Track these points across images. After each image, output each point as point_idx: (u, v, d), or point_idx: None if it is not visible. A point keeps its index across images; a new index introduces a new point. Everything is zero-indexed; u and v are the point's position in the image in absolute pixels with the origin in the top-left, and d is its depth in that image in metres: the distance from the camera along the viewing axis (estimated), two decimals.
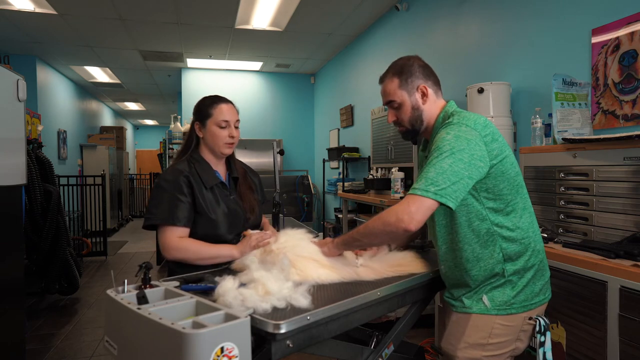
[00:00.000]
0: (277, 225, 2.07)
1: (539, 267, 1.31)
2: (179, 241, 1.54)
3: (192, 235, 1.59)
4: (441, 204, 1.17)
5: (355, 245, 1.40)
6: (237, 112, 1.72)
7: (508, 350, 1.30)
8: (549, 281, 1.36)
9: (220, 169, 1.74)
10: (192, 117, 1.74)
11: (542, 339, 1.27)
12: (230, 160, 1.78)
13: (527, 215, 1.31)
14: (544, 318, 1.30)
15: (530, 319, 1.29)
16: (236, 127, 1.69)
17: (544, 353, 1.27)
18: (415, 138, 1.44)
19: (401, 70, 1.37)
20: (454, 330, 1.35)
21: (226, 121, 1.65)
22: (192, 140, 1.71)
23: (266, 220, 1.96)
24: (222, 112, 1.65)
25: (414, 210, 1.17)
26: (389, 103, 1.40)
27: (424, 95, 1.36)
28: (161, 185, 1.59)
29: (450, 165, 1.18)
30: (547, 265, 1.37)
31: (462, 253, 1.31)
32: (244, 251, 1.53)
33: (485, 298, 1.29)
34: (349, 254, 1.48)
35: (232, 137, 1.67)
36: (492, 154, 1.24)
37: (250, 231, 1.61)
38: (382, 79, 1.42)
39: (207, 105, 1.67)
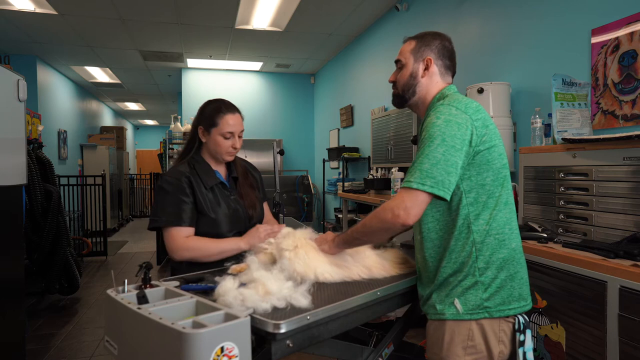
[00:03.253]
0: None
1: (515, 268, 1.24)
2: (186, 241, 1.55)
3: (194, 234, 1.60)
4: (436, 196, 1.16)
5: (355, 244, 1.38)
6: (242, 119, 1.72)
7: (495, 354, 1.23)
8: (528, 285, 1.29)
9: (220, 169, 1.75)
10: (194, 118, 1.74)
11: (522, 337, 1.22)
12: (230, 162, 1.78)
13: (507, 211, 1.26)
14: (524, 316, 1.24)
15: (507, 316, 1.23)
16: (240, 137, 1.70)
17: (524, 353, 1.22)
18: (402, 105, 1.44)
19: (422, 38, 1.39)
20: (435, 338, 1.29)
21: (231, 133, 1.65)
22: (194, 143, 1.71)
23: (269, 213, 1.94)
24: (227, 124, 1.64)
25: (409, 205, 1.16)
26: (396, 62, 1.43)
27: (427, 68, 1.36)
28: (164, 187, 1.59)
29: (443, 155, 1.16)
30: (525, 266, 1.30)
31: (432, 243, 1.28)
32: (251, 242, 1.54)
33: (457, 302, 1.23)
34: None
35: (235, 147, 1.68)
36: (480, 139, 1.21)
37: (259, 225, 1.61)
38: (405, 39, 1.45)
39: (214, 114, 1.65)
